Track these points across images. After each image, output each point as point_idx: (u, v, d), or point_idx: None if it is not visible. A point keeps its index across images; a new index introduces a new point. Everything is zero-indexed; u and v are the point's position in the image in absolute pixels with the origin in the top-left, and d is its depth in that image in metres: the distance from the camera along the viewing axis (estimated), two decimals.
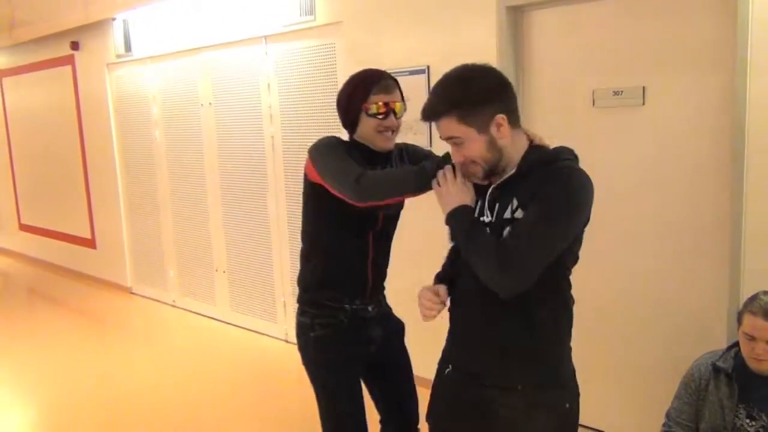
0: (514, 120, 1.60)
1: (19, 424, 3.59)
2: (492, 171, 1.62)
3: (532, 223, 1.50)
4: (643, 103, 2.77)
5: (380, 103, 1.97)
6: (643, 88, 2.76)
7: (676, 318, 2.79)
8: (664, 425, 2.22)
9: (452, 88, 1.63)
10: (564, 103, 3.02)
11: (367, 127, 2.00)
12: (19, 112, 7.37)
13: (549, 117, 3.07)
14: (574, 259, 1.64)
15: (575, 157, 1.66)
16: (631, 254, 2.89)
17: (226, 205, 4.83)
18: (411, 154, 2.21)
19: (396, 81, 2.05)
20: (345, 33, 3.75)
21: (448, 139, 1.63)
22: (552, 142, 1.72)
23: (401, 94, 2.06)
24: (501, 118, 1.57)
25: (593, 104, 2.92)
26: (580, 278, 1.75)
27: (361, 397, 2.11)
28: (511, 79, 3.08)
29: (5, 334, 5.23)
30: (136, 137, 5.63)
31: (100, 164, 6.13)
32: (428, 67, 3.38)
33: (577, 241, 1.61)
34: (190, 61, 4.87)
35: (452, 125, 1.59)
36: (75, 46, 6.05)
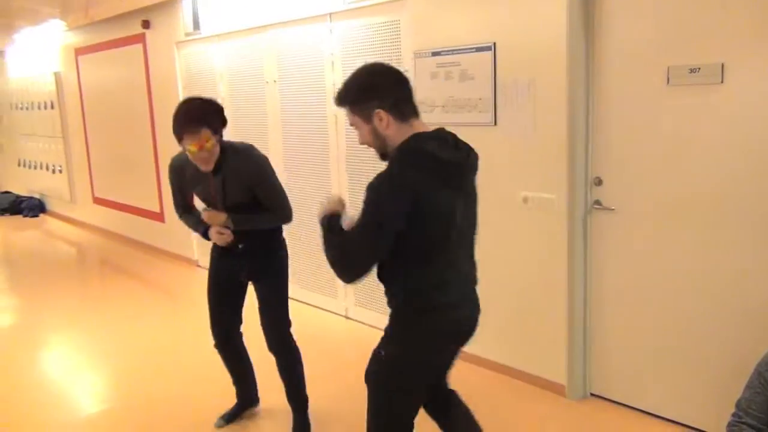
0: (397, 114, 1.90)
1: (91, 387, 3.78)
2: (383, 154, 1.96)
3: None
4: (722, 81, 2.65)
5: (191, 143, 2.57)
6: (722, 65, 2.64)
7: (753, 309, 2.68)
8: (733, 415, 2.14)
9: (346, 85, 1.98)
10: (637, 81, 2.91)
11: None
12: (94, 89, 7.65)
13: (620, 94, 2.98)
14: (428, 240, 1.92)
15: (418, 146, 1.88)
16: (707, 243, 2.79)
17: (288, 182, 4.89)
18: (232, 157, 2.85)
19: (201, 117, 2.66)
20: (410, 9, 3.72)
21: (351, 124, 1.99)
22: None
23: (210, 123, 2.66)
24: (380, 112, 1.89)
25: (668, 82, 2.80)
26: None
27: None
28: (581, 54, 3.03)
29: (79, 301, 5.50)
30: None
31: (168, 141, 6.29)
32: (494, 44, 3.31)
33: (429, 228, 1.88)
34: (256, 39, 4.93)
35: (348, 114, 1.97)
36: (146, 24, 6.22)
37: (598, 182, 3.12)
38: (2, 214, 9.81)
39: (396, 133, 1.91)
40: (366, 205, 1.86)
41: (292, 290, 5.07)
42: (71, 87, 8.14)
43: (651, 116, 2.88)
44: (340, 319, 4.60)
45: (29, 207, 9.77)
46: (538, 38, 3.13)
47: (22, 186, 10.40)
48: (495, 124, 3.37)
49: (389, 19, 3.87)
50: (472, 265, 2.15)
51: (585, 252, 3.20)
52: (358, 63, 4.07)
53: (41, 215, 9.76)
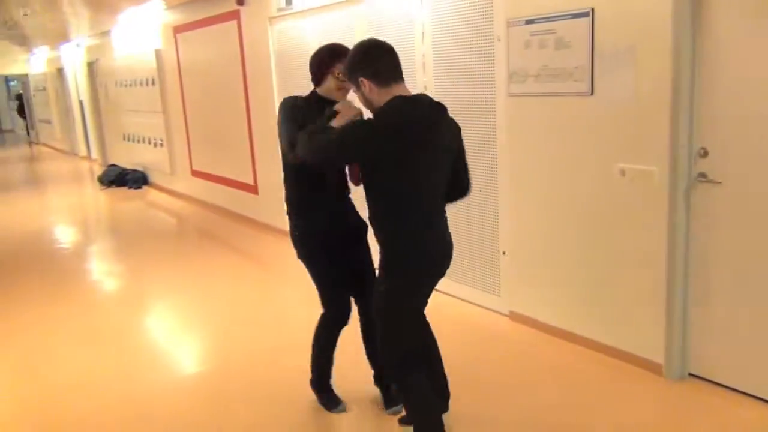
0: (380, 80, 2.34)
1: (190, 350, 3.99)
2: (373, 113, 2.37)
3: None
4: None
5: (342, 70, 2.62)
6: None
7: None
8: None
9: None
10: (749, 43, 2.72)
11: (332, 85, 2.75)
12: (191, 65, 7.95)
13: (731, 59, 2.79)
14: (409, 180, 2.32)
15: (399, 106, 2.29)
16: None
17: None
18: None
19: (346, 51, 2.67)
20: None
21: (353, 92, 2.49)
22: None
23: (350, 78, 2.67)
24: (363, 80, 2.35)
25: None
26: None
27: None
28: (686, 16, 2.85)
29: (178, 269, 5.79)
30: (295, 89, 5.86)
31: (262, 115, 6.49)
32: (592, 10, 3.17)
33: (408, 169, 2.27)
34: (346, 12, 4.95)
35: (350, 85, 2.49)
36: (240, 1, 6.37)
37: (704, 153, 2.95)
38: (109, 186, 10.44)
39: (379, 96, 2.34)
40: (352, 125, 2.37)
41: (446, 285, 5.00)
42: (171, 64, 8.50)
43: (762, 88, 2.68)
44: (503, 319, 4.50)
45: (133, 179, 10.34)
46: (640, 1, 2.97)
47: (127, 159, 11.01)
48: (592, 93, 3.25)
49: None
50: (443, 210, 2.52)
51: (687, 227, 3.05)
52: (450, 34, 4.04)
53: (144, 187, 10.31)
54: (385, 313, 2.49)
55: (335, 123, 2.45)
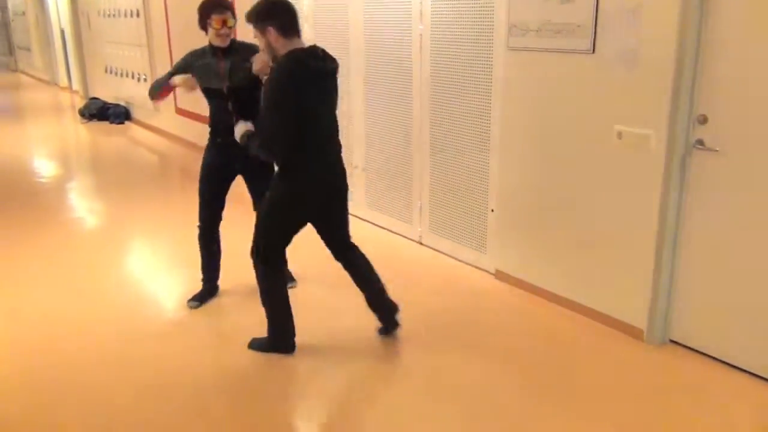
0: (284, 32, 2.80)
1: (166, 291, 3.94)
2: (273, 59, 2.86)
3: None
4: None
5: (216, 20, 3.38)
6: None
7: None
8: None
9: (253, 9, 2.84)
10: (762, 8, 2.63)
11: (212, 34, 3.45)
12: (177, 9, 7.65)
13: (740, 23, 2.70)
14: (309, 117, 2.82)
15: (298, 57, 2.79)
16: None
17: (368, 102, 4.81)
18: (240, 50, 3.48)
19: (228, 5, 3.44)
20: None
21: (254, 37, 2.91)
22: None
23: (232, 12, 3.45)
24: (269, 29, 2.79)
25: None
26: None
27: None
28: None
29: (158, 207, 5.69)
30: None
31: None
32: None
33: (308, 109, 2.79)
34: None
35: (253, 30, 2.87)
36: None
37: (703, 120, 2.89)
38: (90, 120, 10.18)
39: (282, 45, 2.81)
40: (265, 95, 2.78)
41: (366, 211, 5.11)
42: None
43: None
44: (413, 244, 4.59)
45: (115, 114, 10.09)
46: None
47: (109, 93, 10.72)
48: (593, 51, 3.15)
49: None
50: (337, 142, 3.05)
51: (680, 194, 3.02)
52: None
53: (126, 122, 10.07)
54: None
55: (254, 68, 2.95)
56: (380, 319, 3.31)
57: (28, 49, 17.18)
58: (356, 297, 3.29)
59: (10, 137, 9.23)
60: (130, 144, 8.72)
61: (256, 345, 3.22)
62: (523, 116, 3.60)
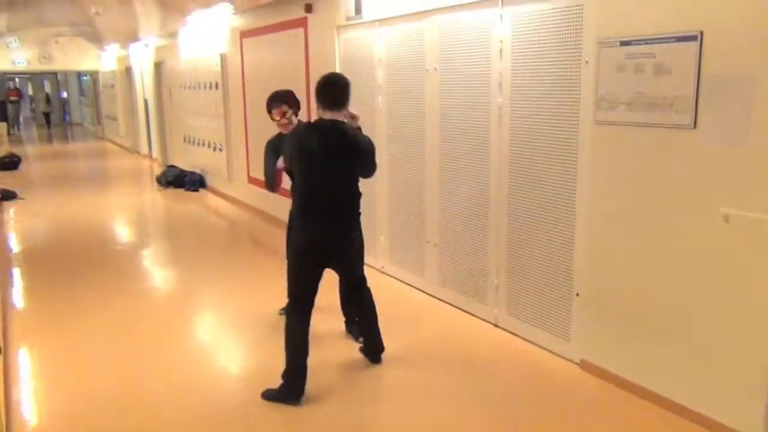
0: (319, 105, 3.37)
1: (231, 352, 3.77)
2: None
3: None
4: None
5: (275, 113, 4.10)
6: None
7: None
8: None
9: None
10: None
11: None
12: (255, 71, 7.84)
13: None
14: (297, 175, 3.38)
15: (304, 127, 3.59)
16: None
17: (443, 175, 4.64)
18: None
19: (285, 97, 4.15)
20: None
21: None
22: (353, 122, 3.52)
23: (290, 102, 4.12)
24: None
25: None
26: None
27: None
28: None
29: (229, 279, 5.62)
30: (358, 101, 5.63)
31: None
32: (701, 33, 2.82)
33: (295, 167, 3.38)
34: (419, 25, 4.69)
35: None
36: (308, 8, 6.20)
37: None
38: (167, 187, 10.46)
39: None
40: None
41: (438, 289, 4.86)
42: (235, 68, 8.42)
43: None
44: (488, 326, 4.30)
45: (191, 181, 10.33)
46: (762, 24, 2.61)
47: (186, 161, 11.03)
48: (694, 126, 2.88)
49: (572, 4, 3.46)
50: (337, 206, 3.39)
51: None
52: (532, 53, 3.74)
53: (201, 190, 10.28)
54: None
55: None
56: (366, 347, 3.80)
57: (115, 119, 18.12)
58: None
59: (92, 203, 9.54)
60: (203, 211, 8.85)
61: (267, 395, 3.37)
62: (613, 195, 3.33)
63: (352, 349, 3.92)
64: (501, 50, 3.94)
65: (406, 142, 5.04)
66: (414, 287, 5.10)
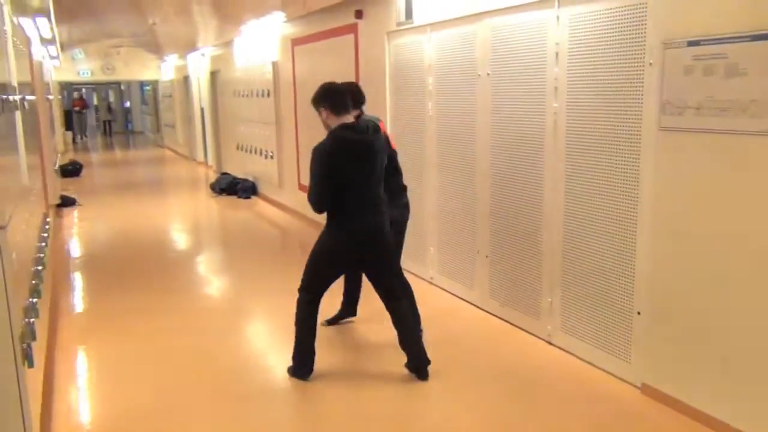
0: (335, 111, 3.43)
1: (276, 359, 3.69)
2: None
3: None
4: None
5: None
6: None
7: None
8: None
9: (314, 95, 3.54)
10: None
11: None
12: (306, 78, 7.82)
13: None
14: (343, 186, 3.40)
15: (337, 134, 3.38)
16: None
17: (495, 184, 4.46)
18: None
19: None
20: None
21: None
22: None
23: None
24: (323, 110, 3.46)
25: None
26: None
27: None
28: None
29: (279, 287, 5.57)
30: (408, 108, 5.52)
31: None
32: None
33: (341, 177, 3.38)
34: (470, 29, 4.53)
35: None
36: (359, 14, 6.12)
37: None
38: (221, 194, 10.56)
39: (334, 121, 3.43)
40: (311, 163, 3.39)
41: (488, 302, 4.68)
42: (286, 76, 8.43)
43: None
44: (541, 343, 4.08)
45: (243, 189, 10.40)
46: None
47: (239, 168, 11.13)
48: None
49: (634, 2, 3.24)
50: (376, 201, 3.53)
51: None
52: (590, 56, 3.53)
53: (253, 197, 10.34)
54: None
55: None
56: (410, 361, 3.66)
57: (173, 127, 18.55)
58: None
59: (148, 209, 9.71)
60: (255, 218, 8.87)
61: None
62: (679, 207, 3.09)
63: (389, 362, 3.77)
64: (557, 53, 3.75)
65: (456, 150, 4.88)
66: (463, 299, 4.92)
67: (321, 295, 3.65)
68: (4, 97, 2.54)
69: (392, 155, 3.91)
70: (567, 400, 3.39)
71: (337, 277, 3.72)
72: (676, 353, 3.19)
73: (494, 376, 3.70)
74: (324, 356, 3.81)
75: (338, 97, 3.44)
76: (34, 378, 2.55)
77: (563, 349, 3.93)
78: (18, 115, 3.17)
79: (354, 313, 4.54)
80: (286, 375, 3.71)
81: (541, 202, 4.02)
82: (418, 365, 3.62)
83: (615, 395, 3.40)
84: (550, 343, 4.04)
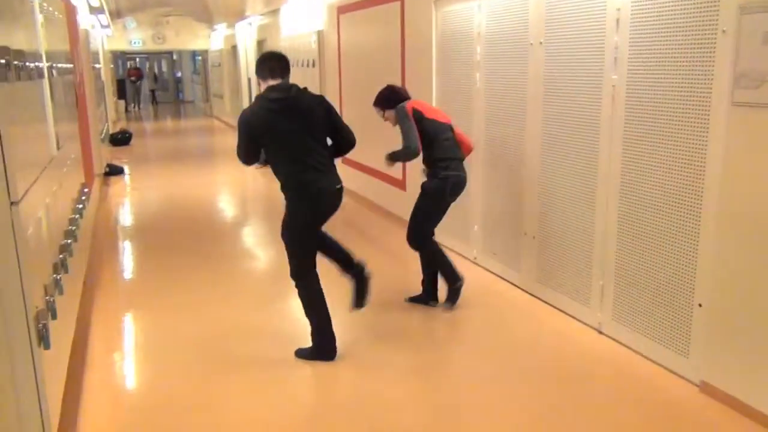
0: (261, 77, 3.50)
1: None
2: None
3: None
4: None
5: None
6: None
7: None
8: None
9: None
10: None
11: None
12: (351, 48, 7.60)
13: None
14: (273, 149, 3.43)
15: (261, 94, 3.45)
16: None
17: (545, 161, 4.19)
18: None
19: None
20: None
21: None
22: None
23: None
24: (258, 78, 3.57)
25: None
26: None
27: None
28: None
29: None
30: (454, 79, 5.26)
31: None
32: None
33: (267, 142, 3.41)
34: None
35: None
36: None
37: None
38: (265, 165, 10.41)
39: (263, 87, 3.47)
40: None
41: (534, 285, 4.45)
42: (331, 46, 8.22)
43: None
44: (590, 332, 3.84)
45: None
46: None
47: None
48: None
49: None
50: (321, 156, 3.42)
51: None
52: (653, 21, 3.22)
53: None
54: None
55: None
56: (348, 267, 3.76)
57: (221, 97, 18.60)
58: None
59: (194, 179, 9.74)
60: None
61: (300, 353, 3.53)
62: (750, 191, 2.79)
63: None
64: (618, 20, 3.44)
65: (504, 124, 4.61)
66: (508, 281, 4.70)
67: (314, 270, 3.52)
68: (24, 64, 2.42)
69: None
70: (617, 395, 3.16)
71: (311, 244, 3.58)
72: (739, 350, 2.92)
73: (538, 364, 3.50)
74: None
75: (265, 62, 3.45)
76: (56, 358, 2.47)
77: (614, 339, 3.69)
78: (45, 82, 3.07)
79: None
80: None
81: (594, 181, 3.74)
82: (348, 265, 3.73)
83: (670, 392, 3.16)
84: (600, 332, 3.80)
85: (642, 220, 3.42)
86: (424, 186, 4.16)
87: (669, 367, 3.32)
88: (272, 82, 3.39)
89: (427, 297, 4.28)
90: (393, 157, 4.13)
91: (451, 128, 4.13)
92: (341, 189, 3.50)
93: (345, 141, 3.57)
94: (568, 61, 3.87)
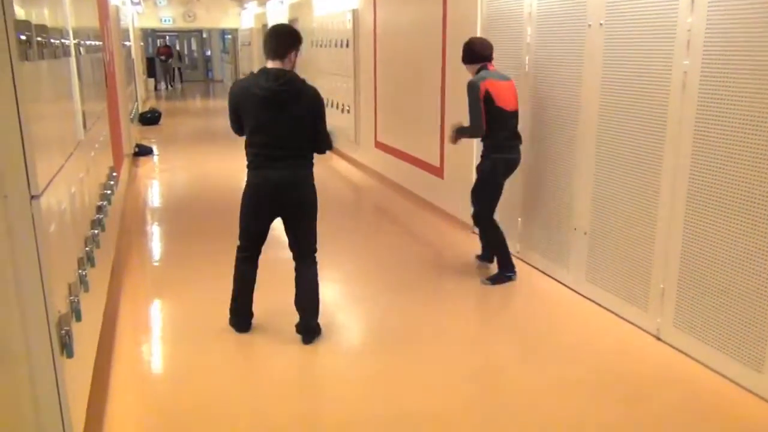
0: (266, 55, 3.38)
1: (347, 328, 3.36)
2: None
3: None
4: None
5: None
6: None
7: None
8: None
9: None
10: None
11: None
12: (388, 28, 7.31)
13: None
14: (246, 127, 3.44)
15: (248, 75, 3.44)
16: None
17: (600, 152, 3.90)
18: None
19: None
20: None
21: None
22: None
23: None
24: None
25: None
26: None
27: None
28: None
29: (355, 243, 5.26)
30: (501, 62, 4.95)
31: (459, 91, 5.65)
32: None
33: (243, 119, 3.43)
34: None
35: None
36: None
37: None
38: None
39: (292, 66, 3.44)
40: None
41: (584, 285, 4.18)
42: (367, 26, 7.94)
43: None
44: (648, 338, 3.57)
45: None
46: None
47: None
48: None
49: None
50: (286, 150, 3.41)
51: None
52: (736, 2, 2.90)
53: (328, 152, 10.00)
54: None
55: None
56: (301, 321, 3.56)
57: None
58: None
59: (222, 159, 9.55)
60: (328, 175, 8.55)
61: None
62: None
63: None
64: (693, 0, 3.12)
65: (556, 111, 4.32)
66: (554, 279, 4.43)
67: (256, 250, 3.60)
68: (49, 41, 2.21)
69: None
70: (678, 411, 2.90)
71: (263, 230, 3.57)
72: None
73: (587, 372, 3.24)
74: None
75: (264, 43, 3.37)
76: (80, 362, 2.29)
77: (675, 347, 3.41)
78: (72, 61, 2.87)
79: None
80: (357, 332, 3.74)
81: (658, 174, 3.45)
82: (307, 329, 3.55)
83: (741, 410, 2.88)
84: (659, 339, 3.52)
85: (713, 218, 3.12)
86: (477, 168, 4.41)
87: (739, 382, 3.04)
88: (270, 65, 3.31)
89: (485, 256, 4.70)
90: (460, 131, 4.29)
91: (515, 115, 4.25)
92: (294, 186, 3.44)
93: (317, 145, 3.56)
94: (631, 44, 3.56)
